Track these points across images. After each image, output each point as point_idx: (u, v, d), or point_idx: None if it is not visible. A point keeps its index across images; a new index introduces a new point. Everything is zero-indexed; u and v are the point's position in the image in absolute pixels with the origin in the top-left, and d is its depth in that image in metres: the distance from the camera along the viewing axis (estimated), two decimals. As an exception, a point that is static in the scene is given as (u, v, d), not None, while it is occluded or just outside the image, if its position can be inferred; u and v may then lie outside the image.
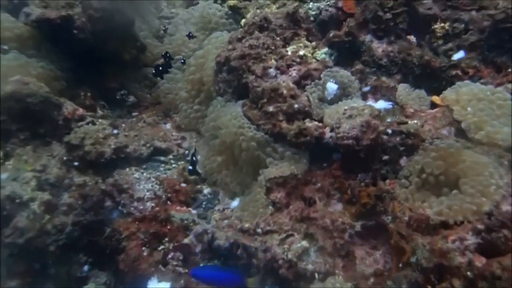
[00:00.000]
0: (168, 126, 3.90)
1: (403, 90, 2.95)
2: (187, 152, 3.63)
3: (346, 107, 2.77)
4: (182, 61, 3.89)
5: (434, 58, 3.04)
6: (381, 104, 2.87)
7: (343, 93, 3.10)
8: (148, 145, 3.49)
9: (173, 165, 3.49)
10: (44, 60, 3.61)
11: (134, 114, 4.02)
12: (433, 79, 3.06)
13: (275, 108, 2.93)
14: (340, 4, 3.68)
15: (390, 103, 2.90)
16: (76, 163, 2.97)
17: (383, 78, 3.06)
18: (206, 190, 3.27)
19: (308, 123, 2.89)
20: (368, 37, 3.20)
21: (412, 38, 3.16)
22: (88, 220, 2.56)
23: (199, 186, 3.29)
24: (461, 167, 2.18)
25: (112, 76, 4.07)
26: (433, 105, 2.91)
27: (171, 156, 3.57)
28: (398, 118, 2.81)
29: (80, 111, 3.32)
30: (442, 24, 3.13)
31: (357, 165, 2.60)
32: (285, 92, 2.97)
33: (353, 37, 3.27)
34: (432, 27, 3.18)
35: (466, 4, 3.21)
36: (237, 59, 3.36)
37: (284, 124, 2.86)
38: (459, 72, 2.97)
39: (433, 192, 2.35)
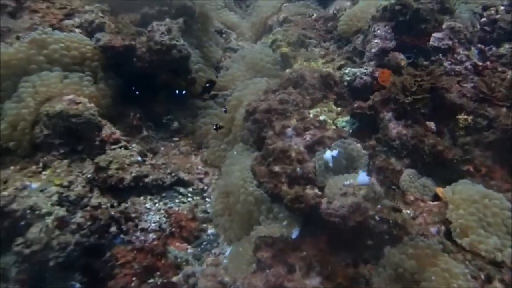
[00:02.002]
0: (197, 158, 4.24)
1: (407, 176, 2.99)
2: (206, 188, 3.92)
3: (346, 182, 2.88)
4: (224, 110, 4.24)
5: (448, 149, 3.04)
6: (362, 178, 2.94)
7: (351, 166, 3.20)
8: (173, 174, 3.83)
9: (189, 199, 3.78)
10: (102, 81, 4.13)
11: (175, 139, 4.49)
12: (445, 170, 3.05)
13: (280, 169, 3.11)
14: (376, 74, 3.81)
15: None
16: (98, 184, 3.37)
17: (392, 160, 3.12)
18: (211, 231, 3.51)
19: (309, 190, 3.02)
20: (388, 115, 3.29)
21: (432, 124, 3.18)
22: (90, 242, 2.92)
23: (205, 225, 3.54)
24: (430, 273, 2.21)
25: (161, 102, 4.57)
26: (436, 197, 2.92)
27: (190, 189, 3.87)
28: (395, 203, 2.86)
29: (117, 134, 3.76)
30: (465, 116, 3.13)
31: (343, 243, 2.69)
32: (293, 155, 3.14)
33: (375, 112, 3.38)
34: (457, 117, 3.19)
35: (500, 98, 3.18)
36: (262, 112, 3.62)
37: (284, 187, 3.03)
38: (471, 168, 2.96)
39: (406, 286, 2.38)
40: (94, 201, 3.24)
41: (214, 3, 5.88)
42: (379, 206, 2.76)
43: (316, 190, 3.05)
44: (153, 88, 4.50)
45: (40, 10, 4.42)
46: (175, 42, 4.26)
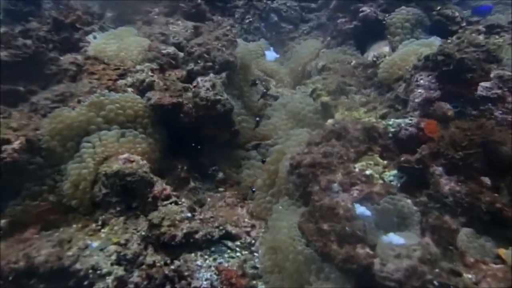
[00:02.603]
0: (243, 210, 4.30)
1: (465, 235, 2.87)
2: (253, 241, 3.94)
3: (398, 242, 2.81)
4: (263, 161, 4.38)
5: (507, 207, 2.90)
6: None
7: (402, 223, 3.12)
8: (221, 227, 3.87)
9: (237, 254, 3.79)
10: (152, 137, 4.35)
11: (221, 189, 4.62)
12: (505, 229, 2.90)
13: (329, 227, 3.09)
14: (422, 124, 3.75)
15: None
16: (152, 241, 3.48)
17: (446, 217, 3.01)
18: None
19: (359, 249, 2.97)
20: (438, 170, 3.20)
21: (487, 180, 3.06)
22: (146, 303, 3.00)
23: (254, 282, 3.52)
24: None
25: (206, 153, 4.76)
26: (498, 259, 2.77)
27: (238, 243, 3.89)
28: (454, 266, 2.74)
29: (168, 190, 3.89)
30: (523, 170, 3.00)
31: (397, 309, 2.59)
32: (341, 212, 3.11)
33: (424, 166, 3.31)
34: (513, 170, 3.06)
35: None
36: (307, 166, 3.64)
37: (334, 246, 2.99)
38: (535, 227, 2.79)
39: None
40: (149, 259, 3.34)
41: (254, 51, 6.09)
42: (437, 270, 2.65)
43: (368, 249, 2.98)
44: (198, 141, 4.69)
45: (97, 72, 4.79)
46: (219, 97, 4.44)
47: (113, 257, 3.24)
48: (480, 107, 3.67)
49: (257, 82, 5.20)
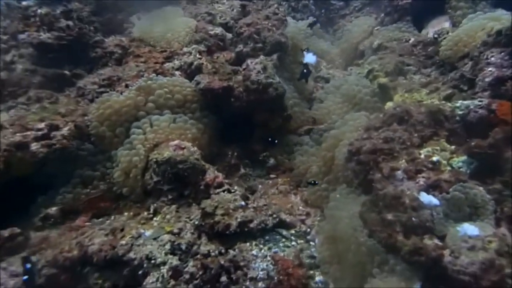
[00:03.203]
0: (297, 198, 4.36)
1: (546, 226, 2.80)
2: (308, 230, 4.00)
3: (471, 233, 2.79)
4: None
5: None
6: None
7: (475, 213, 3.08)
8: (274, 215, 3.94)
9: (293, 243, 3.85)
10: (202, 122, 4.47)
11: (272, 176, 4.69)
12: None
13: (393, 217, 3.10)
14: (493, 106, 3.64)
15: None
16: (206, 230, 3.61)
17: (524, 207, 2.95)
18: (318, 278, 3.53)
19: (427, 241, 2.97)
20: (514, 155, 3.12)
21: None
22: (203, 293, 3.13)
23: (312, 272, 3.58)
24: None
25: (257, 139, 4.83)
26: None
27: (293, 231, 3.96)
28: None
29: (220, 178, 4.01)
30: None
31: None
32: (407, 201, 3.11)
33: (497, 151, 3.23)
34: None
35: None
36: (367, 153, 3.63)
37: (400, 237, 3.01)
38: None
39: None
40: (203, 249, 3.45)
41: (303, 32, 6.07)
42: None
43: (436, 241, 2.98)
44: (250, 126, 4.75)
45: (143, 55, 4.96)
46: (271, 80, 4.46)
47: (167, 246, 3.39)
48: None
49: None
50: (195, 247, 3.48)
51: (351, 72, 5.56)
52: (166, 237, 3.50)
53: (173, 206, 3.79)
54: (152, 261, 3.29)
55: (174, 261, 3.30)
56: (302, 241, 3.88)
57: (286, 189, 4.46)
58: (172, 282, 3.17)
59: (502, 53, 3.86)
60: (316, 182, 4.22)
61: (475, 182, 3.19)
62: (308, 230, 3.99)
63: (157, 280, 3.19)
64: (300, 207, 4.21)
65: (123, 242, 3.43)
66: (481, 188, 3.12)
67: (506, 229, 2.92)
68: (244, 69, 4.71)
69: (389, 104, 4.34)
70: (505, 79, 3.78)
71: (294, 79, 5.24)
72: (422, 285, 2.88)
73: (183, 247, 3.45)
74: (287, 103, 4.91)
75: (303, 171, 4.51)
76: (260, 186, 4.55)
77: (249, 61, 4.71)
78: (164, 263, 3.29)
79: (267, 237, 3.84)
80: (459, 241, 2.83)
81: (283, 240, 3.88)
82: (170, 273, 3.23)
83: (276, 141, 4.62)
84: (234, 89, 4.54)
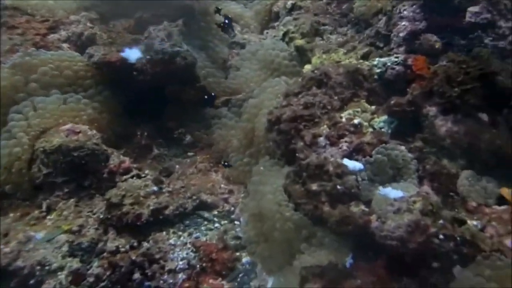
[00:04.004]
0: (219, 175, 4.13)
1: (465, 179, 2.85)
2: (232, 209, 3.81)
3: (395, 197, 2.76)
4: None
5: (507, 143, 2.89)
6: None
7: (398, 173, 3.07)
8: (194, 197, 3.71)
9: (216, 224, 3.65)
10: (101, 101, 4.00)
11: (190, 154, 4.40)
12: (506, 167, 2.91)
13: (318, 187, 2.97)
14: (409, 61, 3.65)
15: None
16: (113, 224, 3.25)
17: (445, 162, 2.98)
18: (245, 259, 3.38)
19: (354, 208, 2.90)
20: (433, 111, 3.13)
21: (484, 116, 3.03)
22: (111, 297, 2.82)
23: (238, 254, 3.42)
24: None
25: (170, 115, 4.48)
26: (502, 200, 2.78)
27: (215, 212, 3.76)
28: (456, 213, 2.73)
29: (127, 163, 3.64)
30: (521, 100, 2.98)
31: (403, 268, 2.57)
32: (331, 169, 3.00)
33: (416, 108, 3.23)
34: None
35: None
36: (287, 121, 3.47)
37: (326, 208, 2.90)
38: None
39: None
40: (110, 245, 3.14)
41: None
42: (441, 221, 2.61)
43: (362, 207, 2.92)
44: (161, 101, 4.41)
45: (19, 26, 4.30)
46: (178, 48, 4.12)
47: (65, 248, 3.01)
48: (469, 35, 3.60)
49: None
50: (100, 245, 3.15)
51: (267, 35, 5.32)
52: (63, 237, 3.10)
53: (71, 200, 3.37)
54: (47, 267, 2.89)
55: (74, 263, 2.95)
56: (226, 221, 3.72)
57: (206, 167, 4.22)
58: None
59: (414, 6, 3.88)
60: (229, 163, 4.08)
61: (397, 141, 3.17)
62: (232, 209, 3.82)
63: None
64: (222, 185, 4.01)
65: (7, 249, 2.96)
66: (402, 148, 3.11)
67: (428, 187, 2.94)
68: (146, 38, 4.29)
69: (308, 67, 4.22)
70: (418, 32, 3.82)
71: (206, 47, 4.92)
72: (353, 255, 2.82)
73: (85, 246, 3.09)
74: (200, 73, 4.62)
75: (223, 146, 4.29)
76: (177, 166, 4.26)
77: (151, 28, 4.31)
78: (61, 268, 2.91)
79: (187, 222, 3.63)
80: (384, 205, 2.79)
81: (205, 223, 3.68)
82: (70, 278, 2.87)
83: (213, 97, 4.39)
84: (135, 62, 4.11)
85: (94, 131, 3.58)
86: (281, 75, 4.44)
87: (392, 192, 2.86)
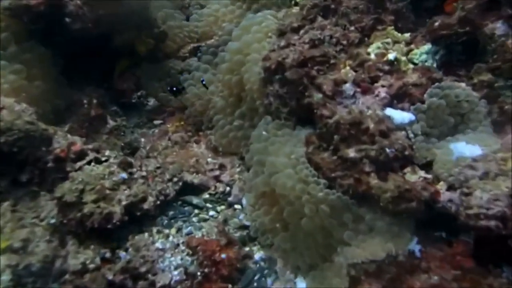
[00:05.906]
0: (202, 147, 3.40)
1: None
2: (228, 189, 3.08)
3: (471, 155, 2.05)
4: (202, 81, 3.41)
5: None
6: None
7: (461, 121, 2.34)
8: (175, 179, 2.99)
9: (210, 212, 2.95)
10: (27, 62, 3.05)
11: (157, 122, 3.68)
12: None
13: (358, 153, 2.23)
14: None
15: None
16: (72, 230, 2.40)
17: (528, 98, 2.28)
18: (258, 255, 2.71)
19: (411, 175, 2.19)
20: (500, 27, 2.38)
21: None
22: None
23: (247, 249, 2.73)
24: None
25: (124, 74, 3.70)
26: None
27: (206, 196, 3.06)
28: None
29: (78, 145, 2.72)
30: None
31: (501, 256, 1.90)
32: (371, 126, 2.24)
33: (472, 27, 2.47)
34: None
35: None
36: (294, 66, 2.65)
37: (373, 180, 2.16)
38: None
39: None
40: (73, 262, 2.31)
41: None
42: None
43: (422, 173, 2.22)
44: (109, 57, 3.53)
45: None
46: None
47: (6, 277, 2.16)
48: None
49: None
50: (58, 263, 2.31)
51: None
52: (3, 260, 2.22)
53: (6, 204, 2.46)
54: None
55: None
56: (223, 207, 3.01)
57: (183, 137, 3.42)
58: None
59: None
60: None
61: (453, 78, 2.43)
62: (228, 189, 3.09)
63: None
64: (209, 159, 3.25)
65: None
66: (463, 85, 2.37)
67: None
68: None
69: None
70: None
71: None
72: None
73: (36, 268, 2.23)
74: (156, 15, 3.74)
75: (201, 108, 3.43)
76: (143, 140, 3.45)
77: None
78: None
79: (171, 213, 2.89)
80: (456, 168, 2.07)
81: (196, 211, 2.97)
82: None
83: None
84: (66, 3, 3.08)
85: (24, 105, 2.61)
86: (263, 8, 3.58)
87: (466, 148, 2.13)
